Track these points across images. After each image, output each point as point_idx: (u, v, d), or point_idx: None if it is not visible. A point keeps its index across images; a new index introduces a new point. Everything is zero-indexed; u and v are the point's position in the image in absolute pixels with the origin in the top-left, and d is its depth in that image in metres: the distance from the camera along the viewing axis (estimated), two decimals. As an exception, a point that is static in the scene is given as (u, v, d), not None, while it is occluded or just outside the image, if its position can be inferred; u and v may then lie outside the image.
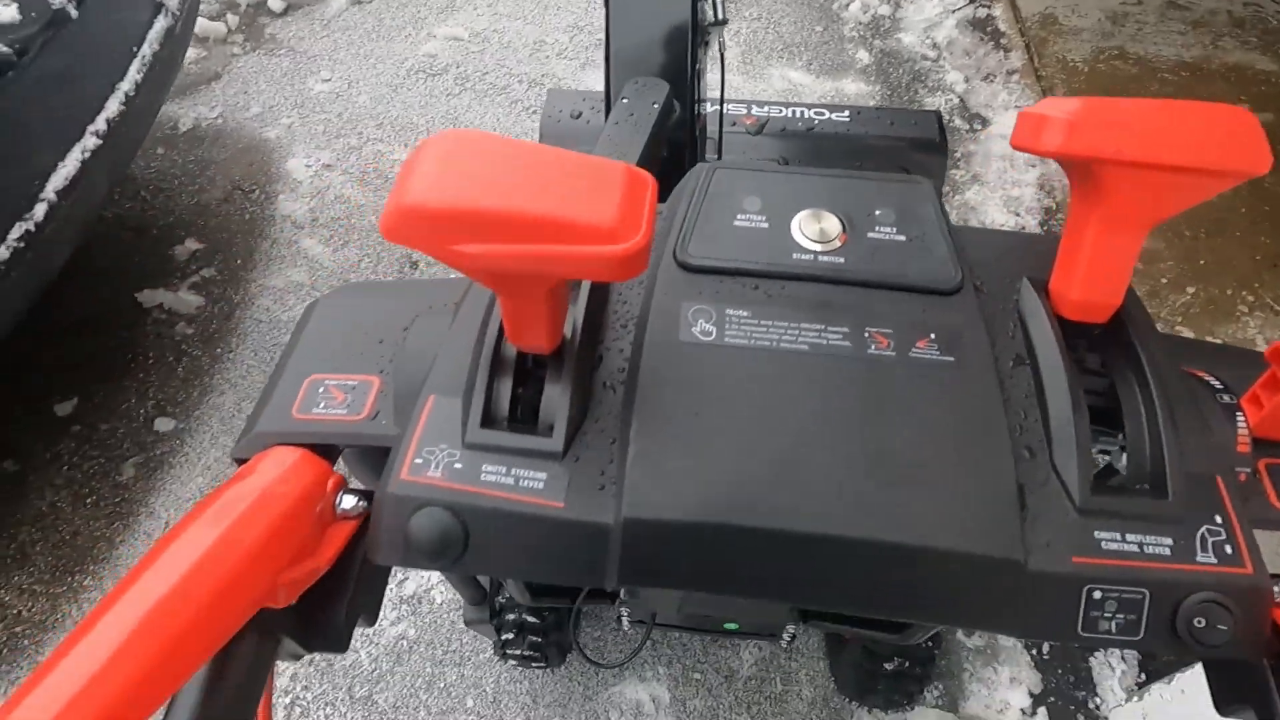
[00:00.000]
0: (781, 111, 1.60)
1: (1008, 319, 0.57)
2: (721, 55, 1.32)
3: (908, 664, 1.26)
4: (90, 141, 1.53)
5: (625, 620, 1.36)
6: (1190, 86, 2.71)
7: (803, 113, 1.60)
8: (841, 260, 0.58)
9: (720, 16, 1.28)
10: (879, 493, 0.47)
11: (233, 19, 2.86)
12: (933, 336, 0.54)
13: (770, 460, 0.49)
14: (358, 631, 1.60)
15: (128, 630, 0.35)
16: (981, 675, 1.55)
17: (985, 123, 2.67)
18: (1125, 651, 1.55)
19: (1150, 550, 0.47)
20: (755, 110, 1.60)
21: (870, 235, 0.59)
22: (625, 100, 1.12)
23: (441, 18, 2.95)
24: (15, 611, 1.61)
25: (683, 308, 0.55)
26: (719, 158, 1.43)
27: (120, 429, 1.87)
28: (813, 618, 1.26)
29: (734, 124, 1.58)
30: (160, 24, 1.75)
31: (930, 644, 1.27)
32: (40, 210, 1.41)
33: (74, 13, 1.50)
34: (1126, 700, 1.46)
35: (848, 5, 3.05)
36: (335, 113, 2.59)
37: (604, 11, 1.18)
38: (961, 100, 2.73)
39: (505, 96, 2.67)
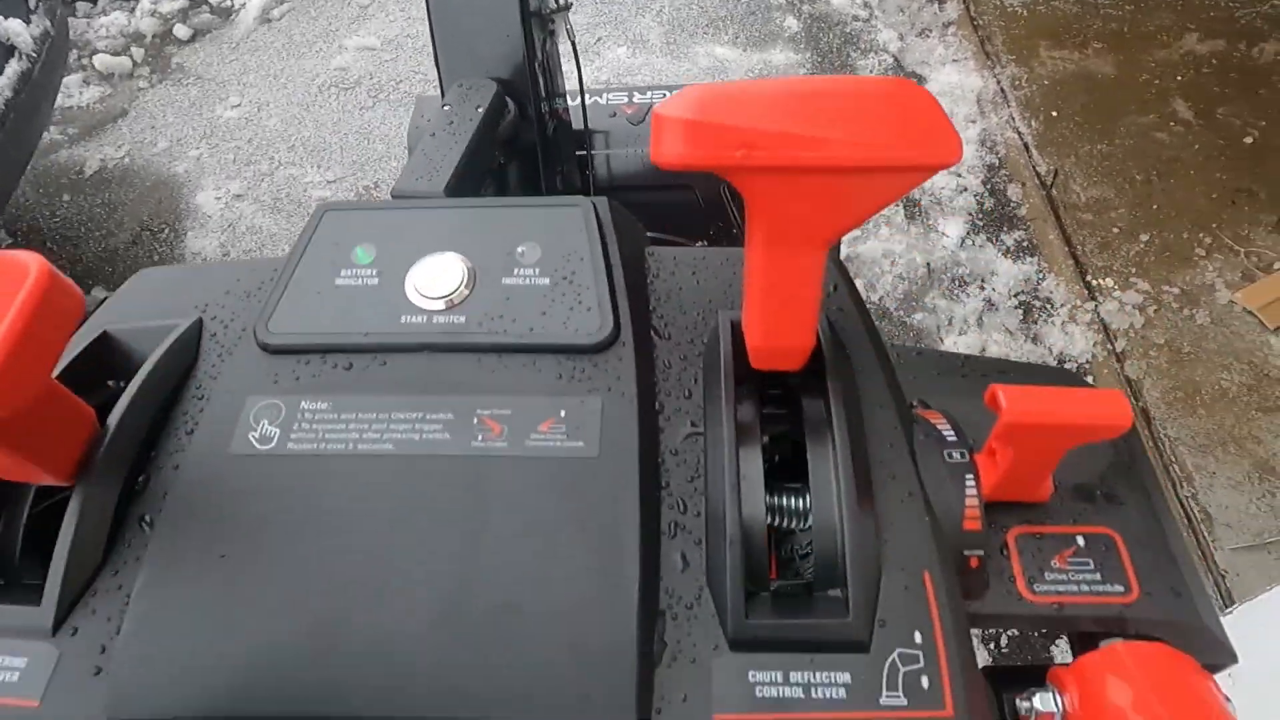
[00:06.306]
0: (665, 96, 1.50)
1: (691, 373, 0.44)
2: (573, 44, 1.22)
3: None
4: (-68, 203, 1.45)
5: None
6: (1135, 19, 2.57)
7: None
8: (462, 319, 0.45)
9: (563, 1, 1.17)
10: (458, 654, 0.36)
11: (138, 51, 2.77)
12: (562, 414, 0.42)
13: (310, 621, 0.37)
14: None
15: None
16: None
17: (922, 81, 2.54)
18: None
19: (819, 694, 0.35)
20: (636, 98, 1.50)
21: (506, 281, 0.46)
22: (447, 107, 1.02)
23: (353, 28, 2.84)
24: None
25: (246, 405, 0.43)
26: (591, 150, 1.34)
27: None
28: None
29: (613, 114, 1.48)
30: (13, 68, 1.65)
31: None
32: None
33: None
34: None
35: (773, -29, 2.92)
36: (245, 139, 2.50)
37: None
38: (896, 59, 2.60)
39: (420, 104, 2.57)
